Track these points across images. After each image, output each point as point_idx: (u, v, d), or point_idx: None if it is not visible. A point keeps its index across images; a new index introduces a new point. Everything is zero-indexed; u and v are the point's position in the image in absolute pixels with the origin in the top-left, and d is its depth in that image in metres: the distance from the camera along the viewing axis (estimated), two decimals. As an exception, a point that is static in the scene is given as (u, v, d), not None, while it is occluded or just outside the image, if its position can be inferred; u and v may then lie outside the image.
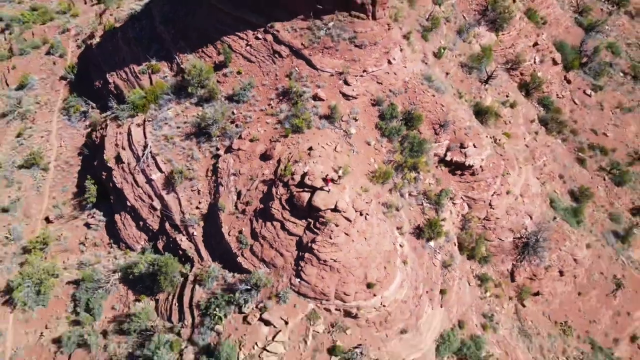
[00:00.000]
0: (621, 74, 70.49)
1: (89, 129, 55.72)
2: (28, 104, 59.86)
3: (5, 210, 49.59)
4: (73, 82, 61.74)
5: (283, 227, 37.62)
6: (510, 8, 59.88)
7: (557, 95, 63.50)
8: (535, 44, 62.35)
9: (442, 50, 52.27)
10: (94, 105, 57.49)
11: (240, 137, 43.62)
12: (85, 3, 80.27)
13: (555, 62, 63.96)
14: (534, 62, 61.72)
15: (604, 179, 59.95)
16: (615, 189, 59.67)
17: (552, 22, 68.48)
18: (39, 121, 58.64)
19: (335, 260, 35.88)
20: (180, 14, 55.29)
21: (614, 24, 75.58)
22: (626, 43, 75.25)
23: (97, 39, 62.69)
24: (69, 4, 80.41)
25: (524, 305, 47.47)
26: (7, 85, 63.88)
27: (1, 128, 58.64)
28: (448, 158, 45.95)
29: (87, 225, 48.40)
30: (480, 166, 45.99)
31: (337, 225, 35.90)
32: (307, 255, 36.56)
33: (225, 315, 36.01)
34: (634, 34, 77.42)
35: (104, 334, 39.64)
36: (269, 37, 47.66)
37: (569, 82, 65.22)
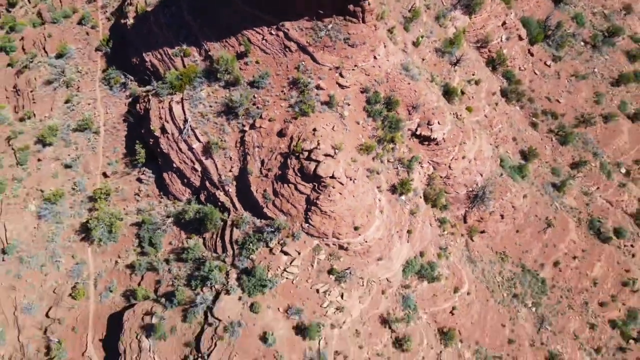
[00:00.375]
0: (582, 43, 77.13)
1: (130, 99, 63.14)
2: (70, 72, 65.78)
3: (68, 167, 58.27)
4: (109, 55, 67.34)
5: (296, 188, 48.11)
6: (483, -8, 67.47)
7: (519, 68, 70.76)
8: (504, 23, 69.62)
9: (420, 39, 60.09)
10: (132, 78, 64.09)
11: (260, 117, 52.10)
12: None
13: (520, 38, 71.54)
14: (501, 40, 69.04)
15: (552, 140, 69.14)
16: (560, 147, 69.17)
17: (524, -2, 75.17)
18: (84, 89, 64.74)
19: (332, 212, 46.90)
20: (206, 5, 59.72)
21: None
22: (592, 12, 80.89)
23: (130, 20, 67.03)
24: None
25: (472, 240, 58.70)
26: (46, 52, 68.25)
27: (49, 94, 64.21)
28: (418, 132, 55.44)
29: (139, 180, 57.80)
30: (443, 138, 55.76)
31: (334, 188, 46.20)
32: (313, 208, 47.31)
33: (257, 248, 46.94)
34: (600, 2, 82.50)
35: (167, 261, 51.10)
36: (281, 34, 54.33)
37: (532, 54, 72.40)
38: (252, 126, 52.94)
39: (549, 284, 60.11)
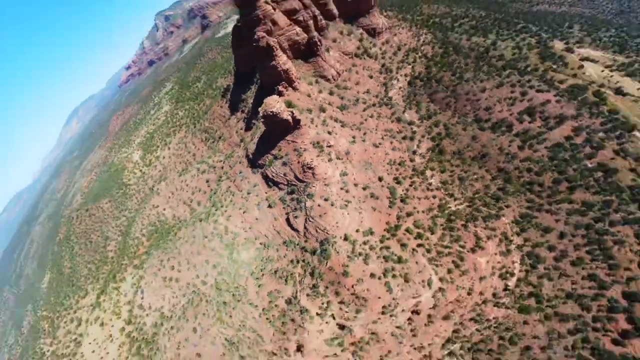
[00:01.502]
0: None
1: (261, 174, 60.80)
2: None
3: (258, 203, 57.89)
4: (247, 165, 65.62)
5: (306, 172, 53.35)
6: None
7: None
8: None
9: (319, 123, 61.08)
10: (258, 169, 62.09)
11: (293, 162, 55.63)
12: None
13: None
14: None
15: (363, 142, 59.60)
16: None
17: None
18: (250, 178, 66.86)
19: (318, 173, 52.35)
20: (266, 141, 61.57)
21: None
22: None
23: (250, 156, 67.21)
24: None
25: (352, 164, 55.60)
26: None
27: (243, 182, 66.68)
28: (326, 145, 57.44)
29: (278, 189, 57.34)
30: (333, 144, 58.76)
31: (316, 166, 52.77)
32: (314, 173, 52.79)
33: (307, 188, 51.04)
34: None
35: (289, 201, 52.98)
36: (287, 141, 57.42)
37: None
38: (292, 165, 56.27)
39: (376, 167, 56.95)
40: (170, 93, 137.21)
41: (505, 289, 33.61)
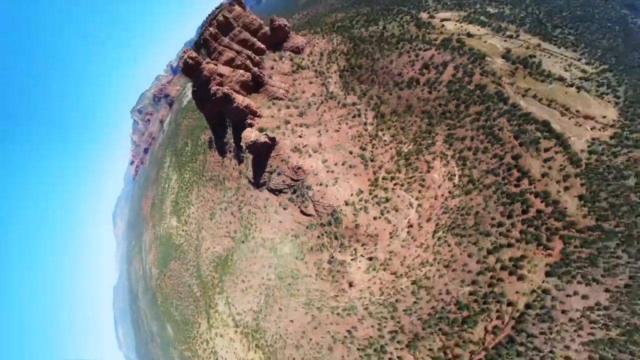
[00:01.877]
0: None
1: (265, 191, 51.82)
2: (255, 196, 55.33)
3: (276, 209, 50.13)
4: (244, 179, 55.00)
5: (297, 171, 49.12)
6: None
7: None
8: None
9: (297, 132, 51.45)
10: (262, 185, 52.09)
11: (285, 170, 49.94)
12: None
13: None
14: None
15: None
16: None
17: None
18: (259, 196, 56.34)
19: (305, 169, 48.34)
20: (260, 161, 53.59)
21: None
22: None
23: (250, 176, 57.28)
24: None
25: (328, 155, 49.90)
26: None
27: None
28: (301, 145, 49.05)
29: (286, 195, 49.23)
30: (308, 144, 51.15)
31: (303, 164, 48.18)
32: (304, 170, 48.54)
33: (304, 182, 46.47)
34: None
35: (295, 199, 47.22)
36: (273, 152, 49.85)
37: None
38: (285, 173, 51.91)
39: (344, 146, 51.69)
40: (171, 165, 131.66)
41: (454, 185, 38.85)
